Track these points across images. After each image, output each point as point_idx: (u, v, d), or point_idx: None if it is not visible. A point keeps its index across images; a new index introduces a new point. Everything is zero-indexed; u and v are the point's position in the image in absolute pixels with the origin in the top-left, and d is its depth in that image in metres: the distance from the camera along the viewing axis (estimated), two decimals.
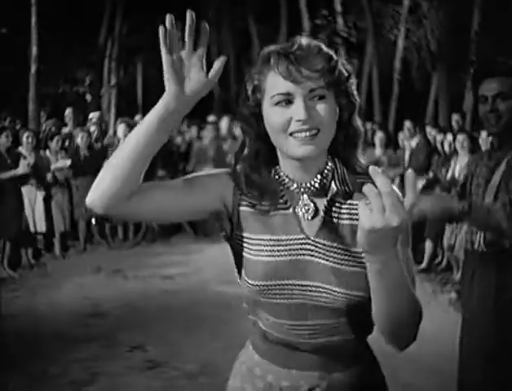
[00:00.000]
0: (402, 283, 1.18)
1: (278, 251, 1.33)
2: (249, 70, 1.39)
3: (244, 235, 1.38)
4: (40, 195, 7.45)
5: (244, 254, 1.37)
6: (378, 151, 8.15)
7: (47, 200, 7.59)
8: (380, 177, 1.04)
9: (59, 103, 15.27)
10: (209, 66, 1.28)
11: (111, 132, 10.95)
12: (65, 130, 8.79)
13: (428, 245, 7.10)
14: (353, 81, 1.34)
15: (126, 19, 17.56)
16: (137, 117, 9.90)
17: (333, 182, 1.35)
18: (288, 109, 1.27)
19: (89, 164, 8.08)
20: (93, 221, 8.22)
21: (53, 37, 12.89)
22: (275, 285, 1.32)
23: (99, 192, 1.28)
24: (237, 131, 8.83)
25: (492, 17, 12.45)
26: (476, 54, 11.80)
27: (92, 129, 8.76)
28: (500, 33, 11.70)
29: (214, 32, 23.04)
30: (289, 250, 1.33)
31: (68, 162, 7.75)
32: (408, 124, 7.83)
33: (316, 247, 1.33)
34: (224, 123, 9.40)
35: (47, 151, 7.78)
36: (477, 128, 7.64)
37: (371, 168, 1.05)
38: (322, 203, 1.35)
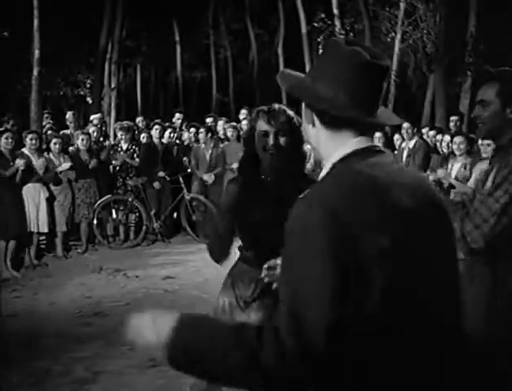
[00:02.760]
0: None
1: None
2: (250, 120, 2.88)
3: None
4: (43, 195, 7.50)
5: None
6: None
7: (50, 201, 7.65)
8: None
9: (61, 105, 15.38)
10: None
11: (112, 135, 11.02)
12: (67, 132, 8.87)
13: None
14: (302, 128, 2.19)
15: (125, 23, 17.64)
16: (138, 119, 9.97)
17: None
18: (266, 138, 2.52)
19: (90, 167, 8.15)
20: (94, 221, 8.27)
21: (54, 39, 12.97)
22: None
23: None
24: (229, 133, 8.92)
25: (487, 20, 12.54)
26: (471, 56, 11.87)
27: (91, 130, 8.81)
28: (495, 35, 11.79)
29: (213, 35, 23.15)
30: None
31: (68, 164, 7.80)
32: (405, 125, 7.82)
33: None
34: (220, 125, 9.47)
35: (50, 154, 7.84)
36: (473, 130, 7.71)
37: None
38: None
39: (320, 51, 17.40)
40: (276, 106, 2.58)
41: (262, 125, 2.53)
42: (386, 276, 1.24)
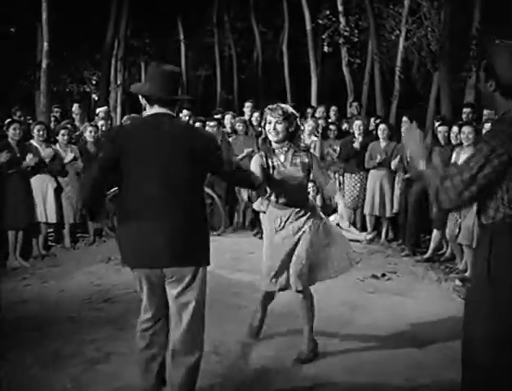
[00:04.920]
0: None
1: (283, 176, 4.12)
2: (263, 114, 4.20)
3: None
4: (51, 186, 7.56)
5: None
6: (382, 143, 8.26)
7: (58, 192, 7.70)
8: None
9: (66, 102, 15.47)
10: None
11: None
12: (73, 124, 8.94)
13: (435, 235, 7.20)
14: (297, 118, 4.14)
15: (130, 21, 17.73)
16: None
17: (290, 150, 4.13)
18: (270, 124, 4.07)
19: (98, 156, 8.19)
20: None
21: (60, 36, 13.05)
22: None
23: None
24: (238, 127, 9.04)
25: (492, 14, 12.57)
26: (476, 51, 11.91)
27: (100, 123, 8.87)
28: (500, 33, 11.80)
29: (217, 33, 23.18)
30: (284, 173, 4.12)
31: (72, 155, 7.85)
32: (404, 119, 7.95)
33: (290, 170, 4.10)
34: (227, 119, 9.53)
35: (57, 145, 7.89)
36: (480, 120, 7.74)
37: None
38: (288, 155, 4.13)
39: (325, 49, 17.56)
40: (276, 104, 4.13)
41: (267, 117, 4.10)
42: (132, 160, 3.12)
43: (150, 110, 3.20)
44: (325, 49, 17.33)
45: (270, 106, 4.10)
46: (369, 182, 8.39)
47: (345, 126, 9.66)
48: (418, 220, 7.67)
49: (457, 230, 6.47)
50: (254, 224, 9.07)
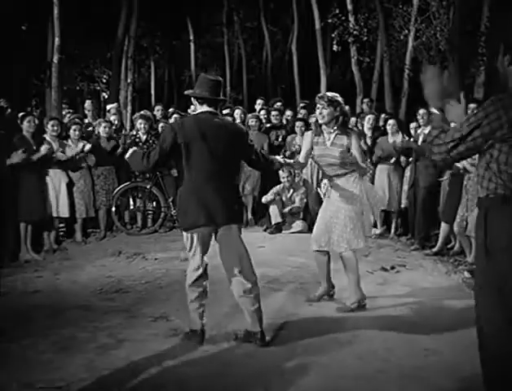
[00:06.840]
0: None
1: (322, 152, 5.11)
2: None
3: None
4: (64, 181, 7.63)
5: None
6: (390, 138, 8.28)
7: (70, 187, 7.78)
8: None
9: (76, 101, 15.60)
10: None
11: (128, 125, 11.15)
12: (85, 121, 9.02)
13: (444, 229, 7.21)
14: (341, 104, 4.93)
15: (141, 21, 17.83)
16: (157, 107, 10.09)
17: (335, 132, 5.01)
18: (318, 110, 4.96)
19: (110, 154, 8.29)
20: (113, 208, 8.39)
21: (71, 34, 13.18)
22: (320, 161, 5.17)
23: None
24: (251, 122, 9.12)
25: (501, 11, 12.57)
26: (484, 48, 11.91)
27: (112, 118, 8.95)
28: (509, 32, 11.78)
29: (227, 34, 23.26)
30: (324, 150, 5.07)
31: (89, 146, 7.92)
32: (421, 111, 7.81)
33: (329, 149, 5.01)
34: (237, 114, 9.58)
35: (69, 141, 7.97)
36: None
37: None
38: (331, 136, 5.04)
39: (334, 47, 17.60)
40: (322, 93, 5.06)
41: (317, 104, 4.93)
42: (194, 146, 4.02)
43: (200, 108, 4.20)
44: (334, 48, 17.37)
45: (318, 94, 5.02)
46: (377, 176, 8.41)
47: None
48: (427, 215, 7.70)
49: (465, 224, 6.51)
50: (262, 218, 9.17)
